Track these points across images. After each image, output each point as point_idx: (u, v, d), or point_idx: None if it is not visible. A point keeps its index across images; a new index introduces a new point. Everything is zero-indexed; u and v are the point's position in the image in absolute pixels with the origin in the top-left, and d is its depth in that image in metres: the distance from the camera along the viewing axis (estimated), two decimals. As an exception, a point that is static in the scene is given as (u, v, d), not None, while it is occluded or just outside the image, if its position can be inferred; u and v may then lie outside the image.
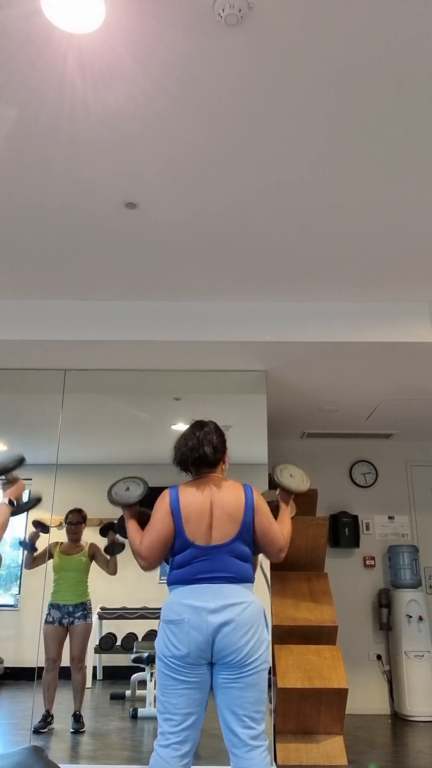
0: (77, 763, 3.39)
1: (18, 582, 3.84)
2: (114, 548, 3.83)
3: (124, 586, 3.82)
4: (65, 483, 4.00)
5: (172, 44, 2.04)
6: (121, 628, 3.77)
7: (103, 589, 3.81)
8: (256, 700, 2.12)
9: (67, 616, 3.70)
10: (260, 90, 2.23)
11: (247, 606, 2.17)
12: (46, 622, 3.69)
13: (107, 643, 3.76)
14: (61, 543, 3.89)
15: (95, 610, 3.79)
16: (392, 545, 5.54)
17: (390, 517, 5.80)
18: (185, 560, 2.25)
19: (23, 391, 4.24)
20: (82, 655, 3.66)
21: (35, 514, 3.94)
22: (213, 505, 2.31)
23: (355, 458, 5.99)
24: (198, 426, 2.49)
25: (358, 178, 2.70)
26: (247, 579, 2.27)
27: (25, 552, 3.79)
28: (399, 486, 5.91)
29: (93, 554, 3.85)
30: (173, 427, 4.13)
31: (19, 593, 3.82)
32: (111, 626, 3.78)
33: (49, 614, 3.70)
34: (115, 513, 3.95)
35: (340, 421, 5.41)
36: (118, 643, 3.76)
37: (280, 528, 2.38)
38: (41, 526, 3.87)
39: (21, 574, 3.85)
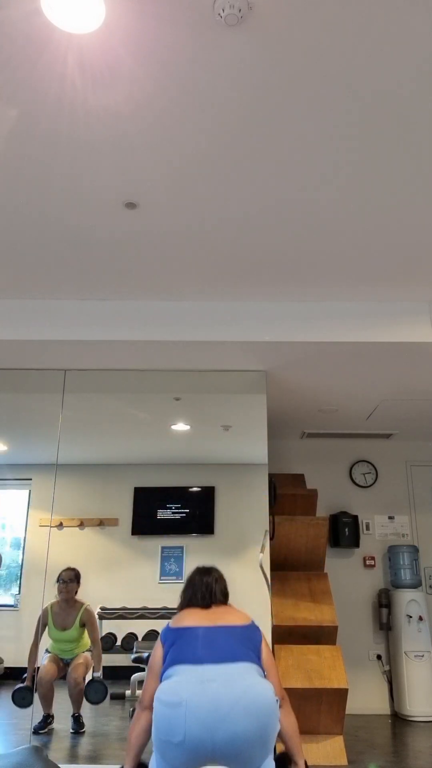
0: (77, 763, 3.39)
1: (18, 582, 3.84)
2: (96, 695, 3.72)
3: (124, 586, 3.82)
4: (65, 483, 4.00)
5: (172, 44, 2.04)
6: (121, 628, 3.77)
7: (103, 589, 3.81)
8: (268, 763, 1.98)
9: (67, 662, 3.71)
10: (260, 90, 2.23)
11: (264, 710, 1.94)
12: (47, 651, 3.69)
13: (107, 643, 3.76)
14: (52, 606, 3.76)
15: (95, 611, 3.79)
16: (392, 545, 5.54)
17: (390, 517, 5.80)
18: (181, 650, 2.15)
19: (23, 391, 4.24)
20: (82, 676, 3.65)
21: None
22: (215, 611, 2.30)
23: (355, 458, 5.98)
24: (205, 572, 2.50)
25: (358, 177, 2.70)
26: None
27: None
28: (399, 486, 5.91)
29: (84, 623, 3.73)
30: (173, 427, 4.13)
31: (19, 593, 3.82)
32: (111, 626, 3.78)
33: (48, 652, 3.70)
34: (114, 511, 3.96)
35: (340, 421, 5.41)
36: (118, 643, 3.76)
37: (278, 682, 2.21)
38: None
39: (21, 574, 3.85)
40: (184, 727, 1.84)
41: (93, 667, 3.67)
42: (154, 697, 2.00)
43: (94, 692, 3.60)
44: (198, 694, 1.89)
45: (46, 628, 3.71)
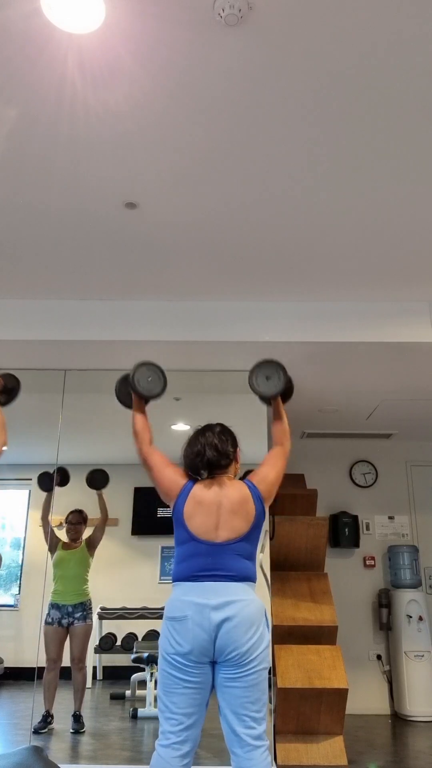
0: (77, 763, 3.39)
1: (18, 582, 3.84)
2: (97, 481, 3.86)
3: (124, 586, 3.82)
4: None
5: (172, 44, 2.04)
6: (121, 628, 3.77)
7: (103, 589, 3.81)
8: (257, 700, 2.13)
9: (67, 617, 3.70)
10: (260, 89, 2.23)
11: (249, 603, 2.19)
12: (46, 622, 3.68)
13: (107, 643, 3.76)
14: (62, 542, 3.89)
15: (95, 610, 3.79)
16: (392, 545, 5.53)
17: (390, 517, 5.80)
18: (189, 555, 2.27)
19: (23, 391, 4.24)
20: (83, 656, 3.66)
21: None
22: (221, 504, 2.32)
23: (355, 458, 5.98)
24: (201, 431, 2.51)
25: (358, 178, 2.70)
26: (249, 578, 2.29)
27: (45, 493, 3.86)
28: (399, 486, 5.91)
29: (89, 541, 3.86)
30: (173, 427, 4.13)
31: (19, 593, 3.82)
32: (111, 626, 3.78)
33: (48, 614, 3.69)
34: (114, 511, 3.95)
35: (340, 421, 5.41)
36: (118, 643, 3.76)
37: (280, 429, 2.71)
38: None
39: (21, 574, 3.85)
40: (192, 638, 2.13)
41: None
42: (164, 617, 2.22)
43: (94, 479, 3.83)
44: (200, 610, 2.15)
45: (56, 549, 3.85)
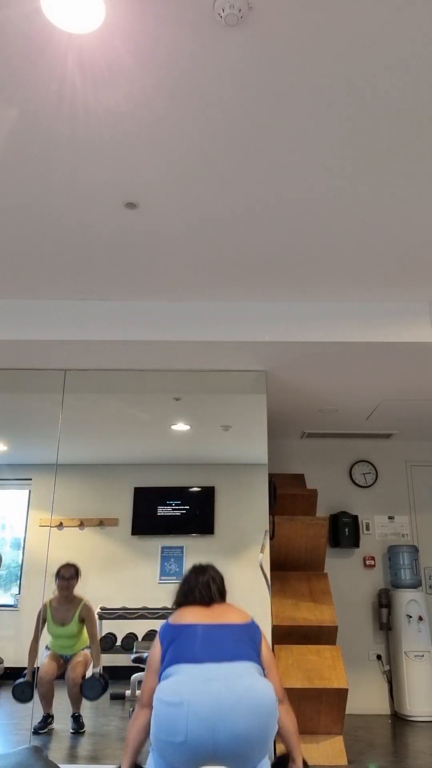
0: (77, 763, 3.39)
1: (18, 582, 3.84)
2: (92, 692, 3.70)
3: (124, 586, 3.82)
4: (65, 483, 4.00)
5: (172, 44, 2.04)
6: (121, 628, 3.77)
7: (103, 589, 3.81)
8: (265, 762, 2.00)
9: (67, 658, 3.71)
10: (260, 89, 2.23)
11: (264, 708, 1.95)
12: (47, 648, 3.69)
13: (107, 643, 3.76)
14: (51, 602, 3.76)
15: (95, 611, 3.79)
16: (392, 545, 5.54)
17: (390, 517, 5.80)
18: (180, 648, 2.15)
19: (23, 391, 4.24)
20: (80, 676, 3.64)
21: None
22: (213, 608, 2.28)
23: (355, 458, 5.98)
24: (200, 570, 2.47)
25: (358, 177, 2.70)
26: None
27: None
28: (399, 486, 5.91)
29: (83, 619, 3.73)
30: (173, 427, 4.13)
31: (19, 593, 3.82)
32: (111, 626, 3.78)
33: (48, 649, 3.70)
34: (114, 511, 3.95)
35: (340, 421, 5.41)
36: (118, 643, 3.76)
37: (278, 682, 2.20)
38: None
39: (21, 574, 3.85)
40: (186, 727, 1.82)
41: (92, 664, 3.67)
42: (154, 697, 1.98)
43: (89, 688, 3.60)
44: (199, 694, 1.87)
45: (46, 624, 3.71)
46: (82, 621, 3.73)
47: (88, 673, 3.66)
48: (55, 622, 3.73)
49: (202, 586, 2.36)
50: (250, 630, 2.19)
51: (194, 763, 1.87)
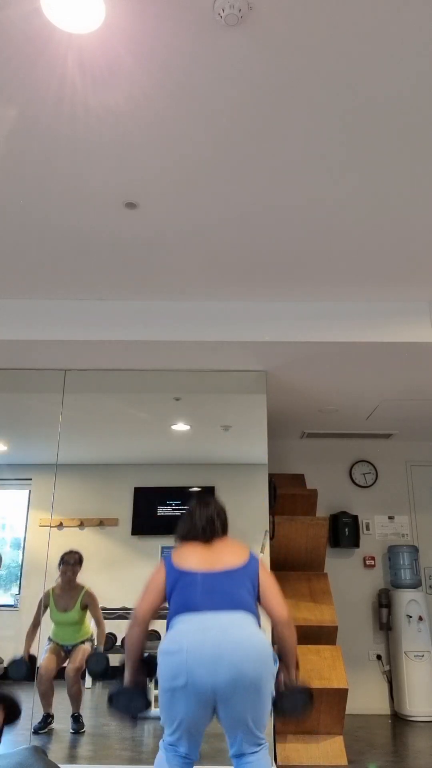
0: (77, 763, 3.39)
1: (18, 582, 3.84)
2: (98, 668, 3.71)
3: (124, 586, 3.82)
4: (65, 483, 4.00)
5: (172, 44, 2.04)
6: (121, 628, 3.77)
7: (103, 589, 3.81)
8: (261, 715, 2.09)
9: (68, 649, 3.71)
10: (260, 90, 2.23)
11: (257, 651, 2.08)
12: (49, 639, 3.70)
13: (107, 643, 3.76)
14: (54, 589, 3.78)
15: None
16: (392, 545, 5.54)
17: (390, 517, 5.80)
18: (183, 590, 2.23)
19: (23, 391, 4.24)
20: (79, 672, 3.65)
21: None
22: (213, 547, 2.33)
23: (355, 458, 5.98)
24: (205, 504, 2.49)
25: (358, 177, 2.70)
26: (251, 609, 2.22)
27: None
28: (399, 486, 5.91)
29: (85, 606, 3.75)
30: (173, 427, 4.13)
31: (19, 593, 3.82)
32: (111, 626, 3.78)
33: (50, 641, 3.70)
34: (114, 511, 3.95)
35: (340, 421, 5.41)
36: (118, 643, 3.76)
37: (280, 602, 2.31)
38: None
39: (21, 574, 3.85)
40: (186, 671, 1.99)
41: (97, 643, 3.71)
42: (158, 649, 2.10)
43: (95, 663, 3.63)
44: (198, 641, 2.02)
45: (48, 610, 3.73)
46: (84, 608, 3.75)
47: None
48: (58, 609, 3.76)
49: (206, 522, 2.39)
50: (248, 569, 2.27)
51: (197, 705, 2.01)
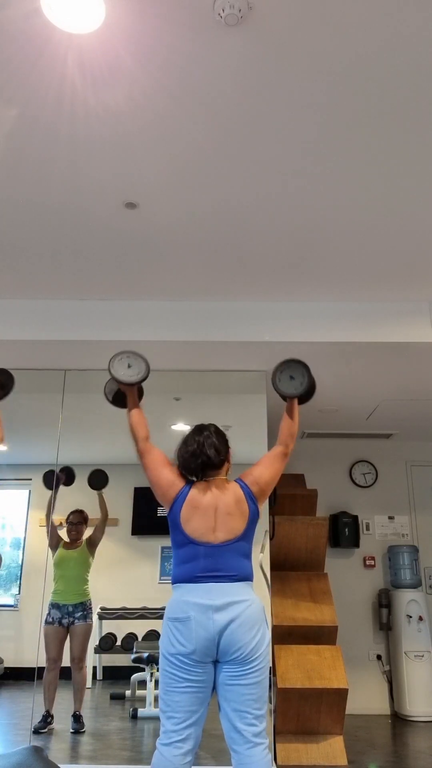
0: (77, 763, 3.39)
1: (18, 582, 3.84)
2: (97, 481, 3.86)
3: (124, 586, 3.82)
4: (65, 483, 4.00)
5: (172, 44, 2.04)
6: (121, 628, 3.77)
7: (103, 589, 3.81)
8: (259, 698, 2.15)
9: (67, 616, 3.70)
10: (260, 90, 2.23)
11: (251, 604, 2.21)
12: (46, 622, 3.68)
13: (107, 643, 3.76)
14: (64, 541, 3.90)
15: (95, 611, 3.79)
16: (392, 545, 5.53)
17: (390, 517, 5.80)
18: (188, 557, 2.28)
19: (23, 391, 4.24)
20: (83, 655, 3.66)
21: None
22: (217, 507, 2.34)
23: (355, 458, 5.98)
24: (198, 430, 2.52)
25: (358, 177, 2.70)
26: (248, 577, 2.31)
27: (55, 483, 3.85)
28: (399, 486, 5.91)
29: (89, 541, 3.87)
30: (173, 427, 4.13)
31: (19, 593, 3.82)
32: (111, 626, 3.78)
33: (49, 614, 3.69)
34: (114, 511, 3.95)
35: (340, 421, 5.41)
36: (118, 643, 3.76)
37: (288, 429, 2.64)
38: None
39: (21, 574, 3.85)
40: (194, 637, 2.13)
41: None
42: (165, 617, 2.23)
43: (96, 478, 3.84)
44: (203, 609, 2.16)
45: (57, 548, 3.85)
46: (90, 545, 3.86)
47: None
48: (64, 547, 3.86)
49: (200, 451, 2.43)
50: (250, 510, 2.38)
51: (201, 667, 2.15)
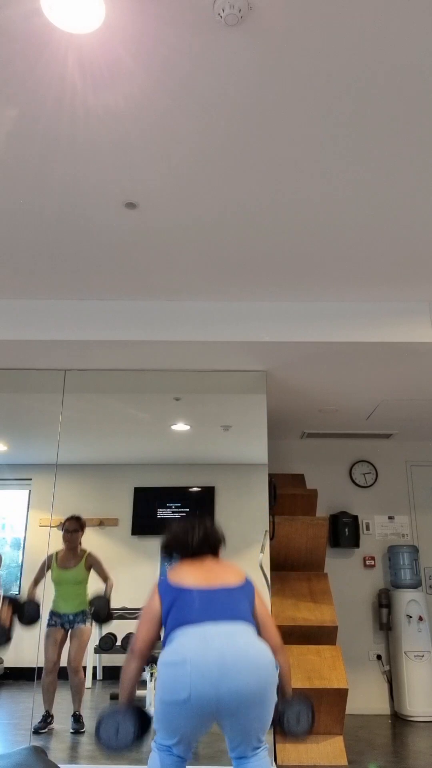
0: (77, 763, 3.39)
1: (18, 582, 3.84)
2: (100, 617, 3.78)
3: (124, 586, 3.82)
4: (65, 483, 4.00)
5: (172, 44, 2.04)
6: (121, 628, 3.77)
7: (103, 588, 3.81)
8: (265, 724, 2.04)
9: (68, 623, 3.71)
10: (260, 89, 2.23)
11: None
12: (48, 624, 3.70)
13: (107, 644, 3.76)
14: (58, 553, 3.84)
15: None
16: (392, 545, 5.53)
17: (390, 517, 5.80)
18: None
19: (23, 391, 4.24)
20: (80, 658, 3.66)
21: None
22: (211, 569, 2.27)
23: (355, 458, 5.98)
24: (199, 518, 2.46)
25: (358, 177, 2.70)
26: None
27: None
28: (399, 486, 5.91)
29: (90, 566, 3.81)
30: (173, 427, 4.13)
31: (19, 593, 3.82)
32: (111, 626, 3.78)
33: (50, 618, 3.71)
34: (114, 511, 3.95)
35: (340, 421, 5.41)
36: (118, 643, 3.76)
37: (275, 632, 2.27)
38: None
39: (21, 574, 3.85)
40: (189, 684, 1.89)
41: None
42: (159, 662, 2.03)
43: (99, 606, 3.73)
44: (201, 652, 1.93)
45: (50, 571, 3.79)
46: (89, 568, 3.80)
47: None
48: (59, 567, 3.81)
49: (201, 539, 2.34)
50: (246, 590, 2.22)
51: (199, 720, 1.93)
